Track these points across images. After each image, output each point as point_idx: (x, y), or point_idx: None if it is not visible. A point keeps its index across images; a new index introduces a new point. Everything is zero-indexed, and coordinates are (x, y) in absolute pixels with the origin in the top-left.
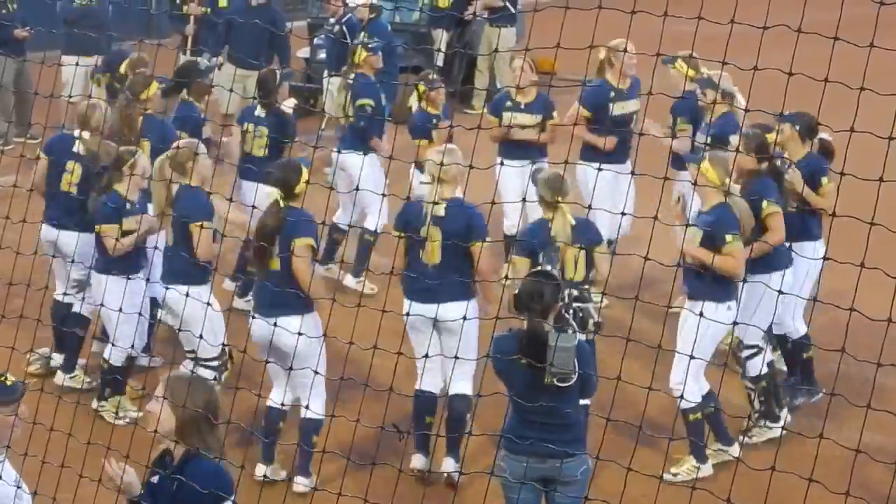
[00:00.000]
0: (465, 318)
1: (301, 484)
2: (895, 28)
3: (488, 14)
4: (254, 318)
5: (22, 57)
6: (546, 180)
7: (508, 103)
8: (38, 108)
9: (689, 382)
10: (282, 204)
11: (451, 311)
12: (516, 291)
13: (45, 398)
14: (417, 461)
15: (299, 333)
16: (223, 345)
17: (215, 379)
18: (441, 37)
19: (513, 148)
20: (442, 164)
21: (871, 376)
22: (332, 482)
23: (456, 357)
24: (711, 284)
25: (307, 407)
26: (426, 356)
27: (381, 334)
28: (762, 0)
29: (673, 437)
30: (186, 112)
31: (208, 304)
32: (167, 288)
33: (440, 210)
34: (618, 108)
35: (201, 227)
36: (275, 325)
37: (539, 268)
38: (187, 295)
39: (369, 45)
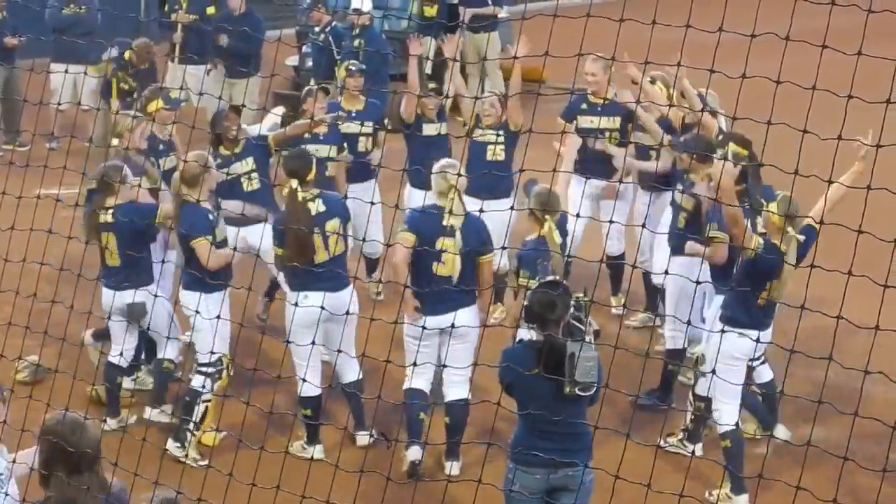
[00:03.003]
0: (484, 325)
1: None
2: (883, 36)
3: (470, 21)
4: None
5: (11, 64)
6: (537, 195)
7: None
8: (26, 115)
9: (720, 405)
10: (303, 192)
11: (462, 319)
12: (527, 303)
13: (34, 406)
14: (415, 453)
15: None
16: (221, 356)
17: (203, 386)
18: (430, 45)
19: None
20: (459, 174)
21: (858, 384)
22: (321, 489)
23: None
24: (727, 308)
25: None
26: (415, 363)
27: (370, 342)
28: (750, 8)
29: (666, 443)
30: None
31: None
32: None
33: (459, 222)
34: (584, 122)
35: (210, 243)
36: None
37: (550, 278)
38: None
39: (350, 68)
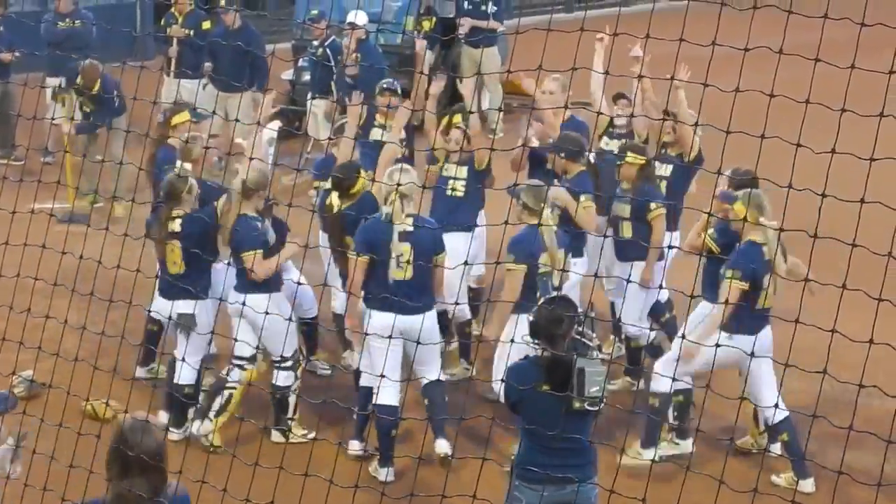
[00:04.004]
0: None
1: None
2: (876, 49)
3: (468, 35)
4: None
5: (6, 79)
6: (529, 188)
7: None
8: (21, 129)
9: (663, 371)
10: (339, 203)
11: (426, 320)
12: (533, 319)
13: (28, 421)
14: (385, 475)
15: None
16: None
17: (295, 378)
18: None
19: None
20: (398, 183)
21: (853, 397)
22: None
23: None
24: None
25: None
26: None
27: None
28: (744, 22)
29: (657, 460)
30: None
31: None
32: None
33: (409, 226)
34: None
35: (255, 254)
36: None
37: (553, 294)
38: (244, 304)
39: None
